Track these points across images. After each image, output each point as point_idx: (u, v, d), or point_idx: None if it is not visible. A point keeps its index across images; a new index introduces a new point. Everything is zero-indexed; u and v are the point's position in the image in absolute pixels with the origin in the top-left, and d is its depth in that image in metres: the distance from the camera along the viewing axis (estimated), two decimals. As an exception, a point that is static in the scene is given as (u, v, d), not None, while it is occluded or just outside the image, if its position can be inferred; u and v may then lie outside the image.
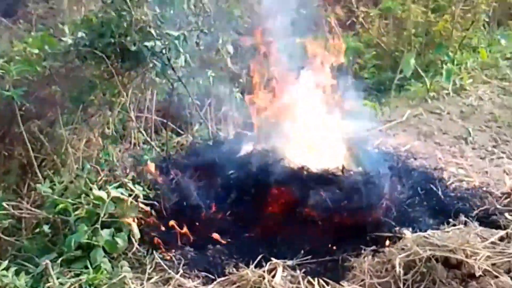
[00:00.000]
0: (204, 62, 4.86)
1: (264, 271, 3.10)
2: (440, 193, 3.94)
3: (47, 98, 4.15)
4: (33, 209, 3.63)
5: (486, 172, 4.66)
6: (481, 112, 6.02)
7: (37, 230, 3.54)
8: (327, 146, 4.01)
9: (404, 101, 6.47)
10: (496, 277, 2.80)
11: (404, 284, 2.87)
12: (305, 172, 3.67)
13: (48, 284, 3.04)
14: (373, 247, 3.27)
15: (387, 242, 3.30)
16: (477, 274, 2.83)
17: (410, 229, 3.44)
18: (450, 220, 3.54)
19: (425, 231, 3.28)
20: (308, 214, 3.52)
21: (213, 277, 3.18)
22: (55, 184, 3.72)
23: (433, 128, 5.67)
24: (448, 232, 3.24)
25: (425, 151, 5.07)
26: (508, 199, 3.78)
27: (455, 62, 6.91)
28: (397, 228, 3.42)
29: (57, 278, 3.07)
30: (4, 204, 3.60)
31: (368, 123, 5.55)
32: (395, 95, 6.70)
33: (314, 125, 4.14)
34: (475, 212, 3.68)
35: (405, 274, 2.90)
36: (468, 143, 5.35)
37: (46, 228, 3.45)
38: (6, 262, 3.16)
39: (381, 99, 6.56)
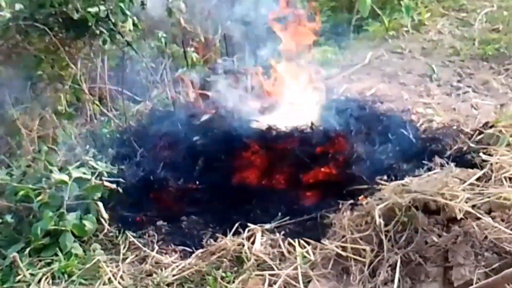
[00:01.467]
0: (155, 22, 4.60)
1: (243, 238, 3.02)
2: (411, 136, 3.87)
3: (-8, 78, 3.89)
4: (-9, 199, 3.44)
5: (454, 109, 4.63)
6: (442, 46, 5.95)
7: (0, 220, 3.34)
8: (292, 101, 3.87)
9: (364, 43, 6.37)
10: (478, 218, 2.75)
11: (386, 235, 2.80)
12: (273, 132, 3.54)
13: (18, 277, 2.90)
14: (351, 201, 3.18)
15: (365, 194, 3.22)
16: (459, 217, 2.77)
17: (386, 177, 3.36)
18: (425, 163, 3.47)
19: (402, 178, 3.21)
20: (280, 175, 3.41)
21: (191, 250, 3.08)
22: (12, 170, 3.53)
23: (396, 68, 5.59)
24: (425, 177, 3.17)
25: (391, 93, 5.00)
26: (480, 136, 3.72)
27: (412, -3, 6.78)
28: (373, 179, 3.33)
29: (27, 270, 2.94)
30: (-40, 196, 3.40)
31: (330, 69, 5.46)
32: (354, 37, 6.58)
33: (276, 79, 3.98)
34: (449, 152, 3.63)
35: (386, 225, 2.83)
36: (433, 80, 5.29)
37: (9, 218, 3.29)
38: (-29, 258, 3.00)
39: (340, 43, 6.41)
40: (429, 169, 3.36)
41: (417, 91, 5.08)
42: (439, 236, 2.74)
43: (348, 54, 6.11)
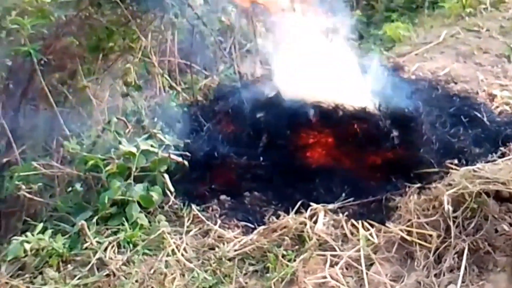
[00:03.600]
0: (225, -3, 4.60)
1: (305, 217, 2.98)
2: (485, 119, 3.71)
3: (65, 49, 3.99)
4: (63, 167, 3.56)
5: (533, 91, 4.38)
6: (523, 25, 5.65)
7: (70, 188, 3.45)
8: (360, 80, 3.76)
9: (439, 20, 6.12)
10: (553, 208, 2.62)
11: (454, 222, 2.70)
12: (340, 111, 3.46)
13: (85, 244, 2.98)
14: (418, 185, 3.09)
15: (433, 178, 3.11)
16: (532, 206, 2.65)
17: (456, 161, 3.24)
18: (498, 148, 3.32)
19: (473, 162, 3.09)
20: (346, 155, 3.35)
21: (253, 226, 3.08)
22: (83, 140, 3.62)
23: (472, 48, 5.33)
24: (498, 163, 3.03)
25: (466, 73, 4.78)
26: (560, 120, 3.53)
27: (491, -27, 6.44)
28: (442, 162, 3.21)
29: (94, 238, 3.01)
30: (34, 163, 3.53)
31: (402, 47, 5.30)
32: (429, 13, 6.34)
33: (344, 56, 3.88)
34: (525, 137, 3.46)
35: (454, 211, 2.72)
36: (510, 61, 5.02)
37: (78, 186, 3.38)
38: (41, 224, 3.11)
39: (414, 20, 6.21)
40: (503, 155, 3.22)
41: (493, 72, 4.84)
42: (510, 225, 2.62)
43: (422, 32, 5.90)
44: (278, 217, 3.05)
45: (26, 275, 2.87)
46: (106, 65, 4.17)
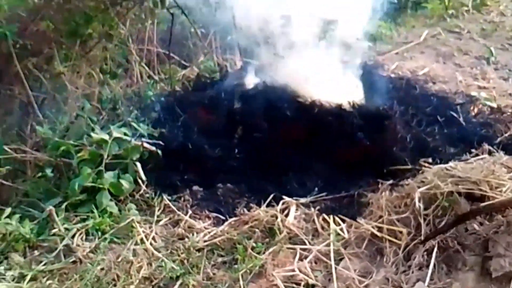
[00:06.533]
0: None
1: (277, 210, 2.98)
2: (461, 119, 3.73)
3: (42, 34, 3.91)
4: (35, 152, 3.50)
5: (510, 94, 4.41)
6: (503, 28, 5.71)
7: (41, 174, 3.40)
8: (339, 75, 3.76)
9: (421, 20, 6.17)
10: (523, 209, 2.62)
11: (424, 219, 2.71)
12: (316, 106, 3.45)
13: (53, 230, 2.93)
14: (391, 181, 3.10)
15: (406, 176, 3.11)
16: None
17: (430, 160, 3.24)
18: (473, 149, 3.33)
19: (447, 162, 3.09)
20: (320, 150, 3.34)
21: (224, 218, 3.06)
22: (56, 125, 3.57)
23: (452, 49, 5.39)
24: (471, 163, 3.03)
25: (445, 74, 4.81)
26: (535, 124, 3.55)
27: (475, -24, 6.49)
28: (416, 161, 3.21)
29: (63, 224, 2.97)
30: (5, 147, 3.46)
31: (383, 46, 5.30)
32: (411, 14, 6.37)
33: (323, 53, 3.86)
34: (500, 139, 3.49)
35: (425, 209, 2.73)
36: (490, 63, 5.07)
37: (49, 171, 3.34)
38: (10, 209, 3.06)
39: (396, 19, 6.22)
40: (477, 155, 3.22)
41: (472, 73, 4.88)
42: (481, 224, 2.63)
43: (403, 31, 5.93)
44: (249, 209, 3.05)
45: (-9, 260, 2.82)
46: (83, 52, 4.09)
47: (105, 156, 3.20)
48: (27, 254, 2.85)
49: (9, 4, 3.57)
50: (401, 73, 4.72)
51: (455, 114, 3.78)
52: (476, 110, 4.02)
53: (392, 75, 4.56)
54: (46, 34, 3.96)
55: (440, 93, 4.22)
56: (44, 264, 2.75)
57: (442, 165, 2.99)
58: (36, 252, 2.86)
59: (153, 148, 3.41)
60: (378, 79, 4.02)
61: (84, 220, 3.03)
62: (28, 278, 2.65)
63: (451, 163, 2.99)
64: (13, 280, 2.66)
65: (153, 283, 2.62)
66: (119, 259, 2.73)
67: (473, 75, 4.84)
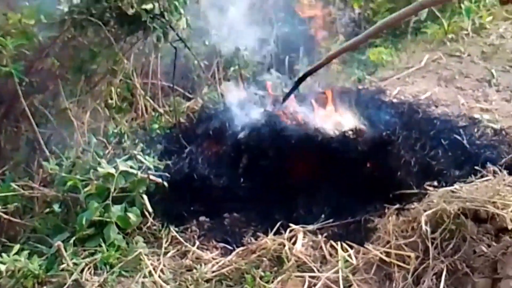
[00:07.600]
0: (209, 21, 4.63)
1: (284, 239, 2.98)
2: (465, 142, 3.73)
3: (47, 71, 3.99)
4: (42, 188, 3.53)
5: (513, 115, 4.43)
6: (504, 51, 5.73)
7: (48, 209, 3.42)
8: (342, 102, 3.79)
9: (422, 45, 6.21)
10: (531, 230, 2.62)
11: (432, 243, 2.70)
12: (320, 134, 3.47)
13: (62, 266, 2.94)
14: (397, 206, 3.09)
15: (412, 200, 3.12)
16: (510, 227, 2.65)
17: (436, 183, 3.24)
18: (478, 170, 3.32)
19: (452, 184, 3.09)
20: (325, 177, 3.35)
21: (231, 248, 3.06)
22: (62, 160, 3.60)
23: (453, 72, 5.40)
24: (476, 184, 3.04)
25: (447, 97, 4.84)
26: (539, 144, 3.56)
27: (473, 0, 6.54)
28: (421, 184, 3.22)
29: (71, 259, 2.97)
30: (13, 184, 3.50)
31: (385, 72, 5.35)
32: (412, 39, 6.44)
33: (326, 79, 3.92)
34: (504, 160, 3.48)
35: (432, 232, 2.72)
36: (491, 85, 5.08)
37: (56, 207, 3.36)
38: (18, 245, 3.07)
39: (397, 45, 6.29)
40: (482, 177, 3.23)
41: (474, 96, 4.90)
42: (489, 246, 2.63)
43: (404, 56, 5.98)
44: (257, 238, 3.05)
45: (0, 297, 2.82)
46: (88, 87, 4.16)
47: (112, 190, 3.22)
48: (36, 290, 2.85)
49: (14, 43, 3.64)
50: (404, 98, 4.74)
51: (458, 137, 3.79)
52: (479, 132, 4.03)
53: (395, 100, 4.57)
54: (52, 71, 4.04)
55: (443, 117, 4.23)
56: (54, 300, 2.76)
57: (448, 188, 3.00)
58: (45, 288, 2.86)
59: (160, 180, 3.44)
60: (381, 104, 4.04)
61: (92, 254, 3.03)
62: (38, 314, 2.66)
63: (456, 185, 3.00)
64: (23, 317, 2.67)
65: (163, 316, 2.62)
66: (128, 293, 2.74)
67: (475, 98, 4.86)
